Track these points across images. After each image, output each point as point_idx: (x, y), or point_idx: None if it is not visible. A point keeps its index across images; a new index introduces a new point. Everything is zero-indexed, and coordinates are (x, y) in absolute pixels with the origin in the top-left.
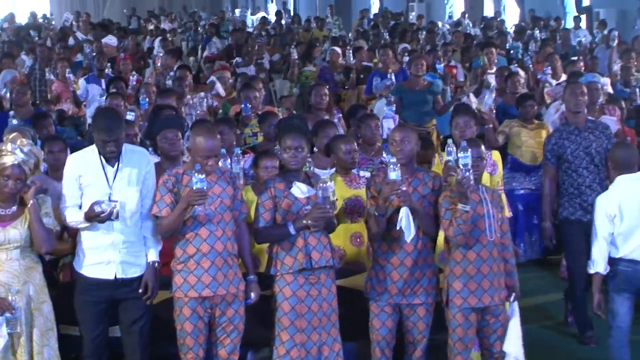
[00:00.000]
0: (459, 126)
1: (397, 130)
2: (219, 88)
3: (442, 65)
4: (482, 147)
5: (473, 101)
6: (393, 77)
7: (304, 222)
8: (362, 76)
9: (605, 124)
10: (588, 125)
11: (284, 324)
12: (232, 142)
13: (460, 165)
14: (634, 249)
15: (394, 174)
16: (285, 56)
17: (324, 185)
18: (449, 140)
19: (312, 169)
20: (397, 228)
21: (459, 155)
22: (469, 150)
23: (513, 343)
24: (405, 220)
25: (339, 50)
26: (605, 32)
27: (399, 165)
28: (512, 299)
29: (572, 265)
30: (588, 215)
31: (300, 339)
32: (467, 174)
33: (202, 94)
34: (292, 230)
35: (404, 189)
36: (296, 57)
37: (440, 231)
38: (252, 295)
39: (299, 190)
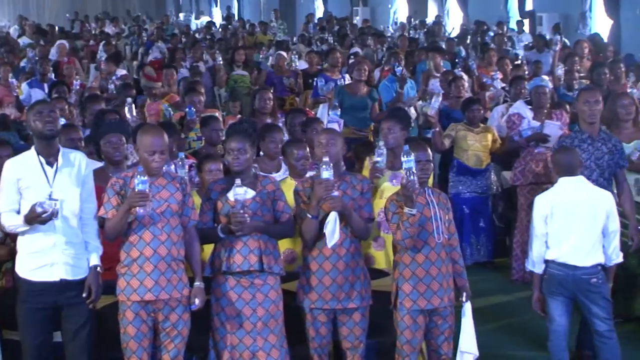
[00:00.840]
0: (383, 131)
1: (323, 132)
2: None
3: (400, 68)
4: (429, 150)
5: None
6: (339, 81)
7: (228, 226)
8: (310, 80)
9: (617, 138)
10: (601, 136)
11: (216, 325)
12: (172, 147)
13: (405, 169)
14: (564, 253)
15: (326, 173)
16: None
17: (239, 191)
18: (380, 143)
19: (258, 173)
20: (323, 232)
21: (403, 159)
22: (412, 154)
23: (470, 342)
24: (332, 225)
25: (285, 54)
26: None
27: (331, 164)
28: (464, 299)
29: None
30: None
31: (231, 341)
32: (412, 177)
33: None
34: (220, 233)
35: (336, 194)
36: (221, 62)
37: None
38: (197, 301)
39: (234, 192)
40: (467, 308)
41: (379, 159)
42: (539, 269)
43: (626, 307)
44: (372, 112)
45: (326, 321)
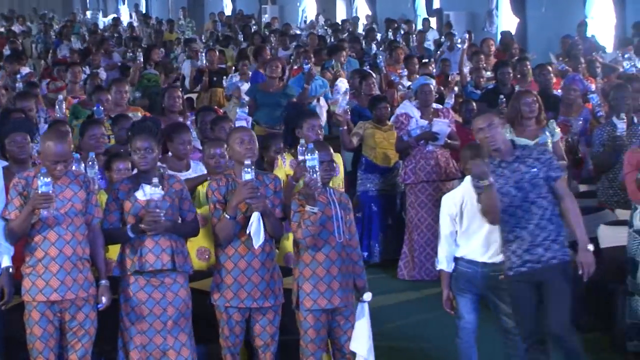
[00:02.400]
0: (314, 128)
1: (241, 131)
2: None
3: (309, 65)
4: (331, 149)
5: (323, 105)
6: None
7: (140, 225)
8: (215, 78)
9: (541, 149)
10: (517, 154)
11: (125, 325)
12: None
13: (308, 167)
14: (473, 250)
15: (248, 175)
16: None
17: (151, 190)
18: (302, 141)
19: (166, 173)
20: (247, 233)
21: (306, 157)
22: (316, 152)
23: (361, 343)
24: (256, 226)
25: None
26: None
27: (252, 166)
28: (363, 298)
29: None
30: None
31: (141, 341)
32: (315, 175)
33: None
34: (130, 233)
35: (259, 194)
36: (142, 60)
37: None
38: (103, 299)
39: (142, 192)
40: (364, 308)
41: (302, 157)
42: (448, 267)
43: None
44: None
45: (241, 320)
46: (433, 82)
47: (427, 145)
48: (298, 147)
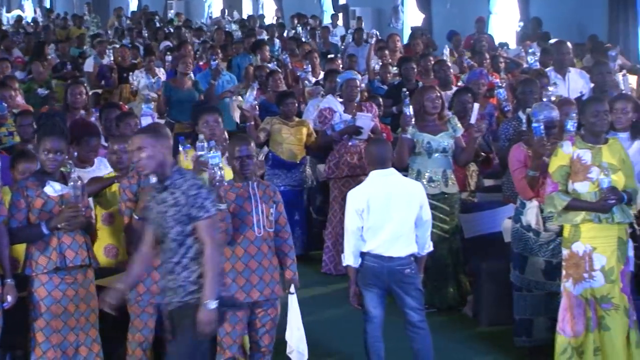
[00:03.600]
0: (209, 124)
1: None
2: None
3: (217, 61)
4: (252, 144)
5: (240, 99)
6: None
7: (57, 221)
8: (125, 75)
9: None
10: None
11: (40, 325)
12: None
13: (210, 165)
14: (380, 244)
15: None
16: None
17: (76, 184)
18: (200, 136)
19: (73, 170)
20: None
21: (209, 154)
22: (219, 149)
23: (294, 334)
24: None
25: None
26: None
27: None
28: (291, 290)
29: None
30: None
31: (56, 340)
32: (220, 172)
33: None
34: (44, 229)
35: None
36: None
37: None
38: (9, 298)
39: (52, 188)
40: (293, 301)
41: (201, 152)
42: (355, 262)
43: (437, 298)
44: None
45: (153, 313)
46: (359, 77)
47: (351, 140)
48: (197, 142)
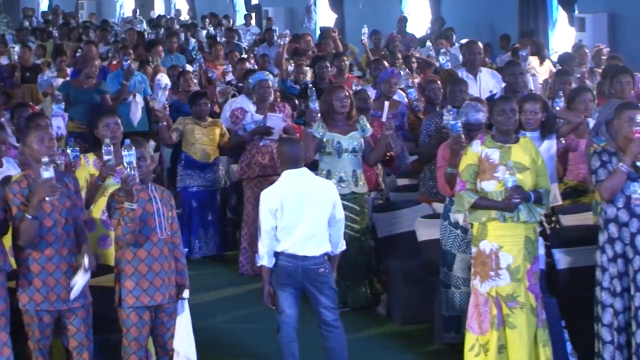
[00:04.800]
0: (110, 126)
1: (43, 129)
2: None
3: (129, 62)
4: (147, 146)
5: (139, 101)
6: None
7: None
8: (27, 74)
9: None
10: None
11: None
12: None
13: (125, 163)
14: (294, 244)
15: (47, 173)
16: None
17: None
18: (106, 140)
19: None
20: (54, 235)
21: (123, 153)
22: (133, 148)
23: (182, 341)
24: (78, 287)
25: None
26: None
27: (51, 165)
28: (183, 295)
29: None
30: None
31: None
32: (132, 172)
33: None
34: None
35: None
36: None
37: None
38: None
39: None
40: (184, 306)
41: (108, 157)
42: (269, 262)
43: (350, 297)
44: (104, 103)
45: (51, 322)
46: (271, 77)
47: (262, 140)
48: (103, 146)
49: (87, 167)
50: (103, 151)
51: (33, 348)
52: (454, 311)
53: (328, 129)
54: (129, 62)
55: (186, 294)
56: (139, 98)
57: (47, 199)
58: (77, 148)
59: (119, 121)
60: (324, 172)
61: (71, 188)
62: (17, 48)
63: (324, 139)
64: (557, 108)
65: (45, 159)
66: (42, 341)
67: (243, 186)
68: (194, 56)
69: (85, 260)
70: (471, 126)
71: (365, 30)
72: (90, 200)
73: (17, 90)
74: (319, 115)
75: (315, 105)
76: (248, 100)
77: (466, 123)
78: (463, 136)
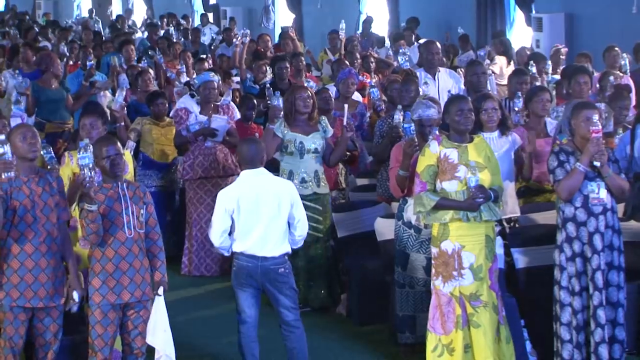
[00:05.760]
0: (86, 127)
1: (26, 127)
2: None
3: (93, 62)
4: (119, 143)
5: (109, 97)
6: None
7: None
8: None
9: None
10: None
11: None
12: None
13: (81, 165)
14: (252, 244)
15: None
16: None
17: None
18: (86, 140)
19: None
20: (33, 231)
21: (79, 155)
22: (90, 149)
23: (158, 336)
24: None
25: None
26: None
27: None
28: (160, 292)
29: None
30: None
31: None
32: (90, 173)
33: None
34: None
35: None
36: None
37: None
38: None
39: None
40: (159, 302)
41: (86, 154)
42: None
43: (310, 297)
44: (67, 103)
45: (25, 319)
46: (217, 78)
47: (206, 141)
48: (79, 144)
49: (70, 165)
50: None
51: (4, 346)
52: (408, 311)
53: (290, 129)
54: (92, 62)
55: (161, 290)
56: (108, 93)
57: (2, 175)
58: (50, 149)
59: (98, 122)
60: (285, 173)
61: (54, 186)
62: None
63: (286, 139)
64: (516, 108)
65: (1, 137)
66: (15, 339)
67: (185, 187)
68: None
69: (75, 295)
70: (424, 122)
71: (342, 25)
72: (72, 198)
73: None
74: (282, 114)
75: (278, 102)
76: (192, 101)
77: (418, 119)
78: (416, 139)
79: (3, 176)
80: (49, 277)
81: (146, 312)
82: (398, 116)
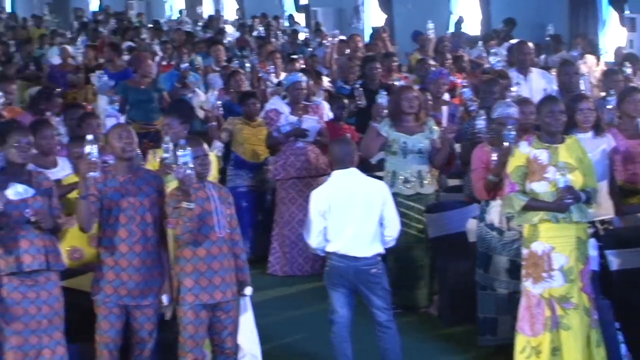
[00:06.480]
0: (163, 127)
1: (122, 126)
2: None
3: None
4: (205, 145)
5: (202, 97)
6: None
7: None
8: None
9: None
10: None
11: (0, 326)
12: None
13: (180, 164)
14: (344, 244)
15: (88, 148)
16: None
17: (19, 190)
18: (166, 138)
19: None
20: (129, 231)
21: (178, 153)
22: (189, 147)
23: (246, 337)
24: None
25: (70, 49)
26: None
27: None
28: (245, 292)
29: None
30: None
31: (17, 342)
32: (189, 171)
33: None
34: None
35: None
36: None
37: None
38: None
39: (14, 191)
40: (246, 303)
41: (166, 154)
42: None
43: (409, 298)
44: (162, 103)
45: (120, 315)
46: (305, 78)
47: (297, 142)
48: (162, 144)
49: (154, 162)
50: (162, 149)
51: (99, 341)
52: (489, 313)
53: (395, 129)
54: (187, 64)
55: (248, 291)
56: (202, 93)
57: (89, 175)
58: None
59: (174, 121)
60: (389, 174)
61: (152, 186)
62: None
63: (390, 138)
64: (609, 107)
65: (90, 136)
66: (110, 334)
67: (277, 187)
68: (248, 57)
69: (164, 299)
70: (503, 120)
71: (430, 25)
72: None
73: (81, 91)
74: (386, 112)
75: (383, 100)
76: (282, 102)
77: (498, 118)
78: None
79: (88, 176)
80: (144, 276)
81: (235, 312)
82: (481, 121)
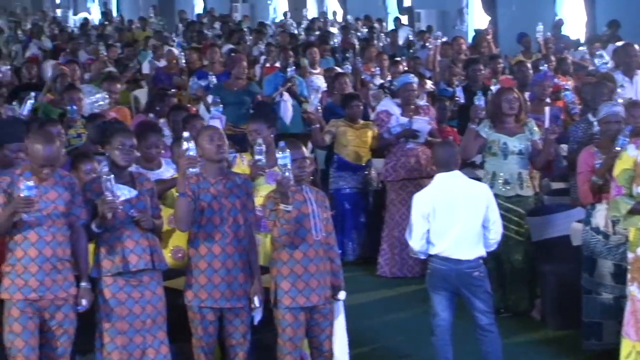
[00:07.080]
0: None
1: (213, 129)
2: None
3: (293, 68)
4: (304, 147)
5: (287, 99)
6: (214, 78)
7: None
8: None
9: None
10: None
11: (105, 326)
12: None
13: (280, 166)
14: (447, 247)
15: (192, 152)
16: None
17: (124, 192)
18: (259, 140)
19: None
20: (221, 232)
21: (278, 155)
22: (287, 150)
23: (337, 342)
24: None
25: (175, 51)
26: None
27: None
28: (338, 297)
29: None
30: None
31: (122, 342)
32: (287, 173)
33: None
34: (95, 228)
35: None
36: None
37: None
38: (84, 302)
39: (119, 192)
40: (340, 309)
41: (259, 156)
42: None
43: (512, 302)
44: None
45: (214, 320)
46: (416, 80)
47: (408, 143)
48: (255, 146)
49: (242, 166)
50: (255, 151)
51: (195, 345)
52: (594, 317)
53: (495, 130)
54: (293, 68)
55: (342, 295)
56: (287, 96)
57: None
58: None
59: (261, 126)
60: (489, 174)
61: (243, 188)
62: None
63: (490, 139)
64: None
65: (186, 134)
66: (205, 338)
67: (387, 188)
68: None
69: (256, 301)
70: (609, 119)
71: (540, 27)
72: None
73: (185, 93)
74: (483, 113)
75: (480, 102)
76: (392, 103)
77: (604, 117)
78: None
79: (188, 172)
80: (237, 278)
81: (332, 315)
82: (480, 103)
